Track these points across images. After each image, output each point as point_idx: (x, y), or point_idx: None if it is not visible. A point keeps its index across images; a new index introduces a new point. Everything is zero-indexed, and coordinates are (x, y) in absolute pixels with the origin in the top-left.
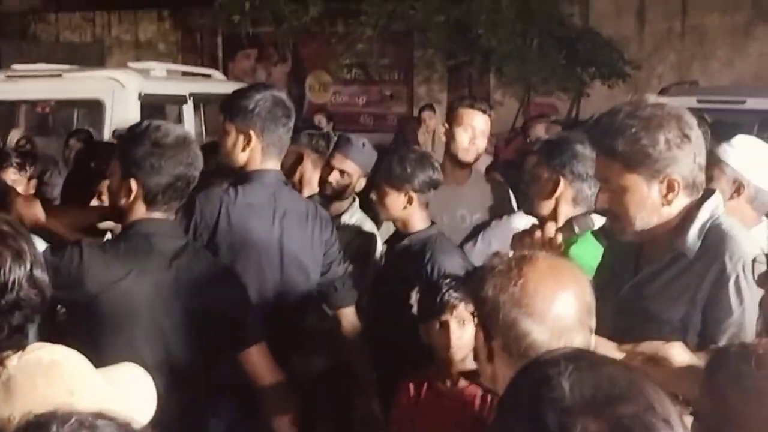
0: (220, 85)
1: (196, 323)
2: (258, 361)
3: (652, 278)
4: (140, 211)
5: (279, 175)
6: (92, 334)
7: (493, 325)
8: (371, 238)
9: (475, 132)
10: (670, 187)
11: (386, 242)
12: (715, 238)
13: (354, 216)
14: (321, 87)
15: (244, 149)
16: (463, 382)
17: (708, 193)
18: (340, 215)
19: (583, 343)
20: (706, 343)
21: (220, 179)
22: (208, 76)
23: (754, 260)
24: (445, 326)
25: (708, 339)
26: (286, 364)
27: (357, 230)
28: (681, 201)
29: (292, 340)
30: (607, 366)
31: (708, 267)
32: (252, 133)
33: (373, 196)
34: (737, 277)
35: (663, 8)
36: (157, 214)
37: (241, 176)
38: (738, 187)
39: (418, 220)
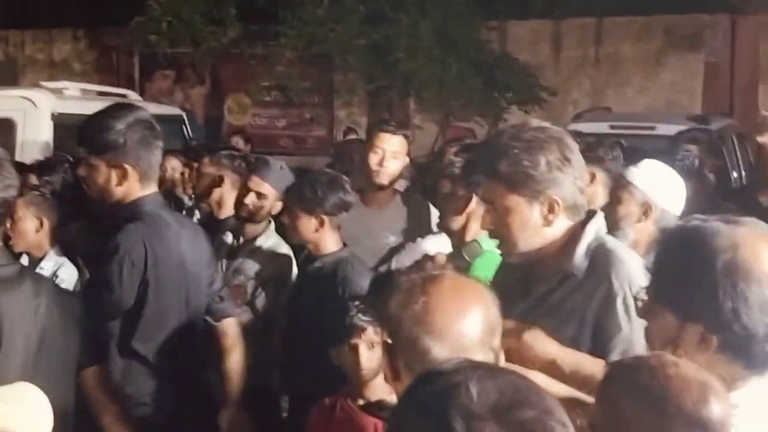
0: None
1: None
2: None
3: (543, 298)
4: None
5: (158, 196)
6: None
7: (397, 344)
8: (287, 260)
9: (385, 154)
10: (551, 209)
11: (299, 265)
12: (601, 257)
13: (270, 239)
14: (240, 109)
15: (120, 183)
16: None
17: (591, 214)
18: (255, 238)
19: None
20: None
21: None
22: (124, 96)
23: (635, 296)
24: (354, 349)
25: (598, 356)
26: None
27: (273, 253)
28: (563, 222)
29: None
30: (506, 373)
31: (596, 286)
32: (127, 166)
33: (285, 219)
34: (624, 295)
35: (578, 36)
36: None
37: (129, 209)
38: (646, 210)
39: (329, 242)
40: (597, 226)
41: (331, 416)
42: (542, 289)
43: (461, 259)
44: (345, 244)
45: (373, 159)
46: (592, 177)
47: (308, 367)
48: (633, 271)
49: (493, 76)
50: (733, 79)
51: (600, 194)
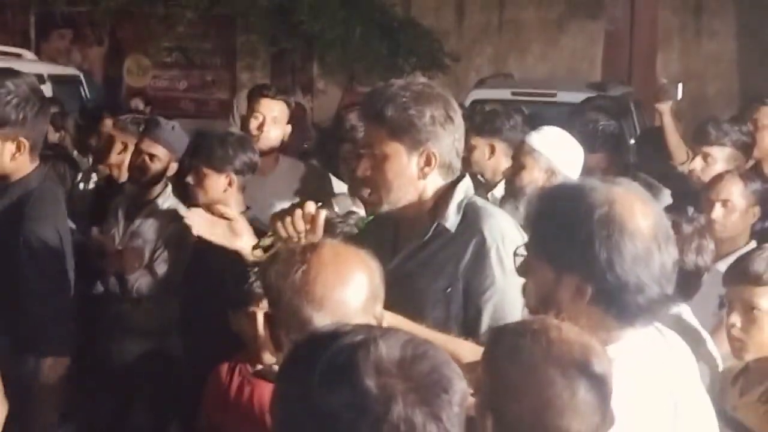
0: (31, 65)
1: None
2: None
3: (413, 254)
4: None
5: (44, 169)
6: None
7: (277, 314)
8: (181, 221)
9: (265, 119)
10: (428, 161)
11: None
12: (473, 214)
13: (167, 201)
14: (140, 70)
15: (13, 158)
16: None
17: (460, 177)
18: (152, 200)
19: None
20: (468, 314)
21: None
22: (19, 55)
23: (515, 252)
24: (251, 316)
25: (472, 308)
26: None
27: (171, 215)
28: (436, 180)
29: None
30: (399, 331)
31: (469, 240)
32: (22, 139)
33: (190, 179)
34: (497, 247)
35: (481, 2)
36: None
37: (20, 186)
38: (550, 176)
39: (234, 204)
40: (466, 186)
41: (229, 381)
42: (413, 245)
43: (330, 209)
44: (248, 207)
45: (253, 124)
46: (492, 149)
47: (208, 331)
48: (504, 226)
49: (397, 40)
50: (632, 47)
51: (503, 164)
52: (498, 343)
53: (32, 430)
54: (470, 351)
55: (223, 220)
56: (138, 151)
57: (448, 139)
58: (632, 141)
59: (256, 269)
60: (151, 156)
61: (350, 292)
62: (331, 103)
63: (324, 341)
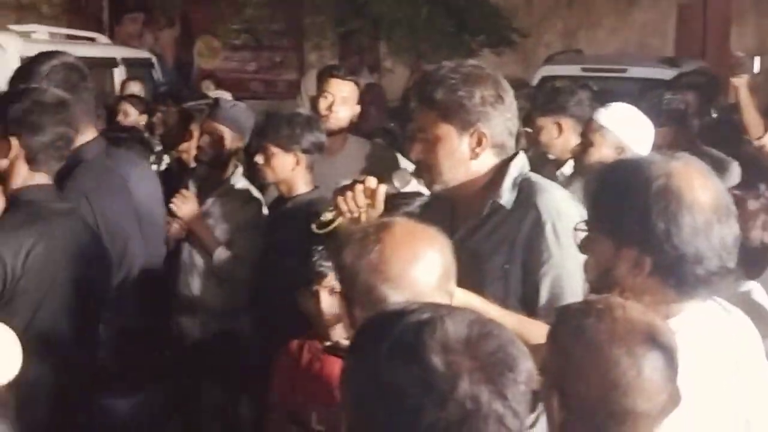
0: (104, 49)
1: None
2: None
3: (471, 233)
4: (22, 172)
5: (102, 142)
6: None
7: (353, 293)
8: (257, 202)
9: (334, 99)
10: (479, 141)
11: (269, 207)
12: (528, 190)
13: (238, 182)
14: (210, 52)
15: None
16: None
17: (513, 155)
18: (222, 182)
19: None
20: (526, 289)
21: None
22: (93, 39)
23: (575, 228)
24: (315, 295)
25: (529, 283)
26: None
27: (242, 196)
28: (488, 159)
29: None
30: (467, 310)
31: (524, 216)
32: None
33: (259, 158)
34: (553, 222)
35: None
36: (40, 177)
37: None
38: (620, 153)
39: (302, 183)
40: (521, 163)
41: (298, 358)
42: (470, 223)
43: (390, 184)
44: (316, 186)
45: (323, 104)
46: (559, 127)
47: (278, 309)
48: (560, 201)
49: (464, 18)
50: (705, 20)
51: (572, 142)
52: (563, 322)
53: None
54: (540, 332)
55: None
56: (203, 133)
57: (499, 118)
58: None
59: (320, 248)
60: (217, 136)
61: (425, 269)
62: (399, 82)
63: (392, 319)
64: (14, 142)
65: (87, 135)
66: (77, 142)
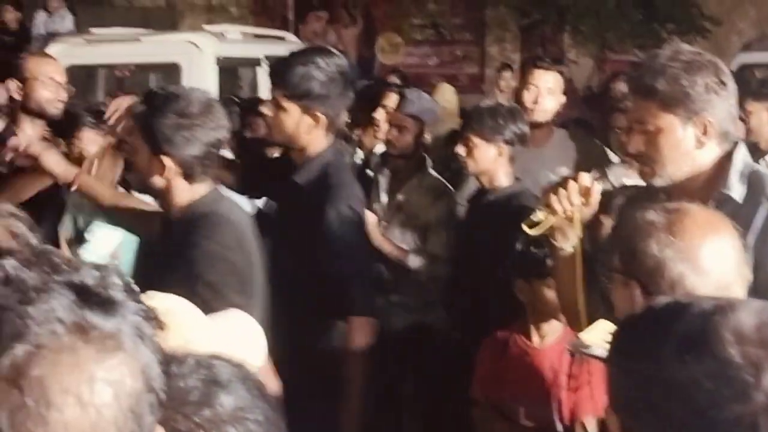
0: (293, 47)
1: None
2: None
3: None
4: (184, 188)
5: (339, 146)
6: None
7: (655, 283)
8: (451, 197)
9: (539, 90)
10: (705, 130)
11: (469, 201)
12: (758, 182)
13: (429, 175)
14: (392, 48)
15: (309, 132)
16: (549, 340)
17: (735, 145)
18: (412, 174)
19: (741, 296)
20: (759, 282)
21: None
22: (282, 38)
23: None
24: (537, 288)
25: (762, 277)
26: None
27: (438, 189)
28: (712, 149)
29: None
30: (748, 300)
31: (755, 209)
32: (320, 115)
33: (461, 150)
34: None
35: None
36: (202, 188)
37: (317, 163)
38: None
39: (503, 176)
40: (743, 154)
41: (504, 351)
42: None
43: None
44: (517, 179)
45: (528, 96)
46: None
47: (478, 304)
48: None
49: (652, 5)
50: None
51: None
52: None
53: (348, 396)
54: None
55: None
56: (390, 125)
57: (723, 105)
58: None
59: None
60: (402, 128)
61: (729, 257)
62: (583, 73)
63: (673, 311)
64: (167, 160)
65: (329, 140)
66: (322, 146)
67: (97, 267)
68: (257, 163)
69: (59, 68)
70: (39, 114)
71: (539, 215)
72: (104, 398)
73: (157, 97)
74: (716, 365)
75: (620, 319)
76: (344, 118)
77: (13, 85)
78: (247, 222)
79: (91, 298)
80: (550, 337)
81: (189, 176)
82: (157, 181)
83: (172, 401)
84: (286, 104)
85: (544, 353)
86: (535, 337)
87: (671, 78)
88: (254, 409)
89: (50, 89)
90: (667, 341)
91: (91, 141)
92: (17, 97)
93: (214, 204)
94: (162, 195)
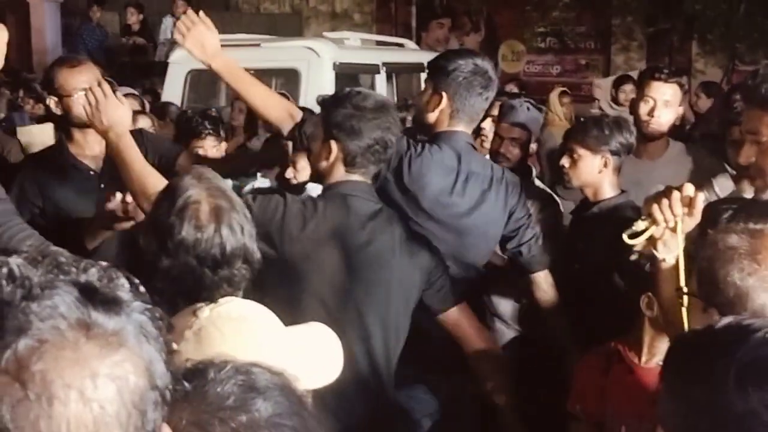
0: (412, 54)
1: (388, 287)
2: (463, 319)
3: None
4: (339, 172)
5: (467, 138)
6: (280, 287)
7: (736, 312)
8: (557, 207)
9: (656, 103)
10: None
11: (572, 212)
12: None
13: (535, 185)
14: (514, 56)
15: (433, 109)
16: (658, 359)
17: None
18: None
19: None
20: None
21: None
22: (401, 45)
23: None
24: (651, 303)
25: None
26: None
27: (546, 198)
28: None
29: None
30: None
31: None
32: (444, 94)
33: (565, 161)
34: None
35: None
36: (355, 177)
37: (433, 136)
38: None
39: (608, 187)
40: None
41: (608, 365)
42: None
43: (711, 191)
44: (623, 191)
45: (643, 108)
46: None
47: (582, 318)
48: None
49: None
50: None
51: None
52: None
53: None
54: None
55: None
56: (497, 137)
57: None
58: None
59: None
60: (511, 139)
61: None
62: None
63: (736, 336)
64: (335, 146)
65: (458, 127)
66: (448, 128)
67: (106, 268)
68: None
69: (91, 75)
70: (85, 124)
71: (641, 225)
72: (107, 394)
73: (342, 92)
74: None
75: (678, 335)
76: (477, 111)
77: (51, 102)
78: (366, 215)
79: (96, 296)
80: (660, 356)
81: (349, 165)
82: (323, 164)
83: (209, 406)
84: (427, 83)
85: (652, 372)
86: (644, 355)
87: None
88: (292, 416)
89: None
90: (726, 367)
91: (211, 147)
92: (58, 113)
93: (343, 188)
94: (322, 178)
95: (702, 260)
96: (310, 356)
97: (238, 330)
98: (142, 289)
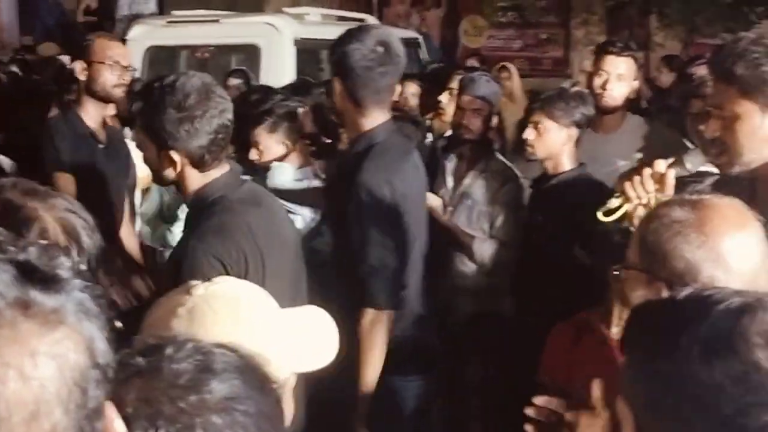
0: None
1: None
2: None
3: None
4: (195, 176)
5: (391, 124)
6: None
7: (685, 285)
8: (517, 181)
9: (609, 77)
10: None
11: (531, 185)
12: None
13: (497, 160)
14: (475, 31)
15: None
16: None
17: None
18: (479, 159)
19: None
20: None
21: None
22: (362, 21)
23: None
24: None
25: None
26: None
27: (505, 175)
28: None
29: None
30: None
31: None
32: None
33: (529, 134)
34: None
35: None
36: (214, 173)
37: (364, 140)
38: None
39: (567, 160)
40: None
41: (578, 337)
42: None
43: (681, 166)
44: (581, 164)
45: (597, 82)
46: None
47: (543, 289)
48: None
49: None
50: None
51: None
52: None
53: (361, 382)
54: None
55: None
56: (459, 109)
57: None
58: None
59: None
60: (473, 111)
61: (757, 252)
62: None
63: (698, 308)
64: (175, 155)
65: (377, 118)
66: (366, 126)
67: (46, 247)
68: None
69: (125, 52)
70: (103, 97)
71: (614, 202)
72: (47, 372)
73: (153, 93)
74: (743, 369)
75: (637, 306)
76: (392, 93)
77: (78, 66)
78: (268, 203)
79: (35, 274)
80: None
81: (200, 165)
82: (170, 173)
83: (161, 383)
84: (336, 82)
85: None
86: (614, 326)
87: (751, 63)
88: (246, 400)
89: (115, 73)
90: (690, 340)
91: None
92: (82, 78)
93: (224, 188)
94: (177, 186)
95: (647, 234)
96: (305, 338)
97: (231, 309)
98: (83, 268)
